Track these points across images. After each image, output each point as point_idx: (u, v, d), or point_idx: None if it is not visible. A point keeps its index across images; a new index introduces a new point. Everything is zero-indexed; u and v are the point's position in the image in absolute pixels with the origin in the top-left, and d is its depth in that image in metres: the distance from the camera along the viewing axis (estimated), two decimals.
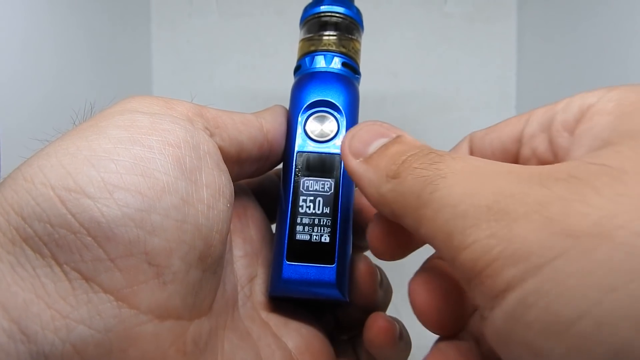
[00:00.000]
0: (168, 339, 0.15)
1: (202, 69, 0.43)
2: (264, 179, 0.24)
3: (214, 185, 0.17)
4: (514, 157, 0.17)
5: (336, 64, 0.22)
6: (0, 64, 0.26)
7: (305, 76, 0.22)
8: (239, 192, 0.23)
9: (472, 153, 0.20)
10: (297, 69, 0.23)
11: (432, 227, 0.13)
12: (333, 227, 0.20)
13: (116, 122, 0.16)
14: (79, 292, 0.13)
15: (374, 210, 0.23)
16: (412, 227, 0.14)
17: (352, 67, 0.23)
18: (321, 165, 0.21)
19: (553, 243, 0.10)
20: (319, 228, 0.20)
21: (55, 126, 0.29)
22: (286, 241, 0.20)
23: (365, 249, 0.25)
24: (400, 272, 0.22)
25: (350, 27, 0.23)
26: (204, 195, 0.16)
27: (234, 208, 0.21)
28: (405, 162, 0.15)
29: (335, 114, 0.21)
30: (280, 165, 0.22)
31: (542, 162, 0.16)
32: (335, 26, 0.23)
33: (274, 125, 0.21)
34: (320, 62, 0.22)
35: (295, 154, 0.21)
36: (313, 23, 0.23)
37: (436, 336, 0.18)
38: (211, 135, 0.18)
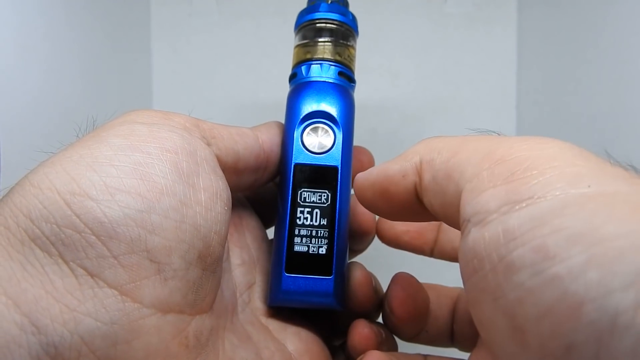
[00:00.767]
0: (170, 331, 0.16)
1: (202, 69, 0.43)
2: (264, 191, 0.25)
3: (211, 188, 0.17)
4: None
5: (332, 73, 0.22)
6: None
7: (301, 86, 0.22)
8: (235, 202, 0.24)
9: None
10: (293, 77, 0.23)
11: (473, 150, 0.14)
12: (330, 238, 0.21)
13: (116, 132, 0.17)
14: (85, 287, 0.14)
15: (369, 216, 0.23)
16: (441, 162, 0.15)
17: (347, 76, 0.23)
18: (318, 177, 0.21)
19: (610, 178, 0.11)
20: (317, 240, 0.21)
21: (55, 127, 0.29)
22: (285, 253, 0.21)
23: (359, 252, 0.25)
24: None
25: (345, 33, 0.23)
26: (202, 198, 0.17)
27: (232, 219, 0.22)
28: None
29: (332, 125, 0.21)
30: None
31: None
32: (331, 33, 0.23)
33: (269, 137, 0.22)
34: (316, 72, 0.22)
35: (292, 165, 0.21)
36: (309, 29, 0.23)
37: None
38: (208, 144, 0.19)
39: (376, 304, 0.22)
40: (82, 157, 0.15)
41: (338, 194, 0.21)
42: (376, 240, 0.25)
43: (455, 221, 0.14)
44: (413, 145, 0.17)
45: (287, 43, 0.44)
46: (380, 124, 0.42)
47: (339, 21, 0.23)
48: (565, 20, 0.36)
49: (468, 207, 0.13)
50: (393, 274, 0.22)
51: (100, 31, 0.36)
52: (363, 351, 0.20)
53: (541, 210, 0.11)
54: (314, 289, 0.21)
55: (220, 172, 0.19)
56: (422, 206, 0.17)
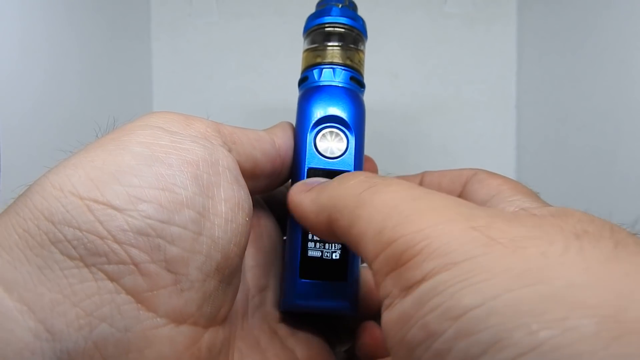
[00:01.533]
0: (183, 343, 0.16)
1: (202, 69, 0.43)
2: (277, 192, 0.25)
3: (233, 199, 0.17)
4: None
5: (344, 78, 0.22)
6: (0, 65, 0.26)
7: (313, 89, 0.22)
8: (254, 204, 0.23)
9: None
10: (304, 81, 0.23)
11: (366, 224, 0.14)
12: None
13: (138, 138, 0.17)
14: (103, 292, 0.14)
15: None
16: (344, 228, 0.16)
17: (358, 81, 0.23)
18: None
19: (473, 246, 0.12)
20: (330, 245, 0.21)
21: (56, 125, 0.29)
22: (299, 258, 0.20)
23: None
24: None
25: (356, 38, 0.23)
26: (222, 210, 0.17)
27: None
28: (350, 175, 0.17)
29: (345, 130, 0.21)
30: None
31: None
32: (341, 37, 0.23)
33: (285, 141, 0.22)
34: (328, 76, 0.22)
35: (306, 170, 0.21)
36: (318, 33, 0.23)
37: None
38: (229, 150, 0.19)
39: None
40: (105, 164, 0.15)
41: None
42: None
43: None
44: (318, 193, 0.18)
45: (286, 43, 0.44)
46: (380, 124, 0.42)
47: (350, 26, 0.23)
48: (565, 20, 0.36)
49: (380, 290, 0.14)
50: None
51: (100, 31, 0.36)
52: (373, 352, 0.20)
53: (424, 292, 0.12)
54: (329, 294, 0.20)
55: (242, 181, 0.19)
56: None
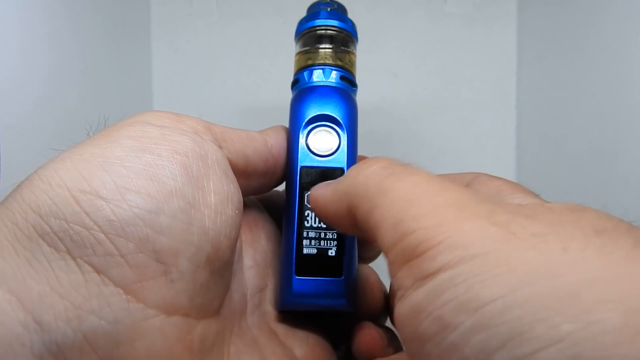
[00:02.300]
0: (174, 334, 0.16)
1: (202, 69, 0.43)
2: (272, 193, 0.25)
3: (222, 192, 0.17)
4: None
5: (334, 77, 0.22)
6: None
7: (304, 90, 0.22)
8: (251, 205, 0.23)
9: None
10: (295, 83, 0.23)
11: (385, 214, 0.14)
12: (339, 240, 0.21)
13: (128, 133, 0.17)
14: (90, 285, 0.14)
15: None
16: (363, 216, 0.15)
17: (349, 80, 0.23)
18: (325, 180, 0.21)
19: (492, 240, 0.12)
20: (325, 242, 0.21)
21: (56, 124, 0.29)
22: (294, 256, 0.21)
23: (370, 260, 0.25)
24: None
25: (346, 39, 0.24)
26: (212, 201, 0.17)
27: (246, 219, 0.22)
28: (370, 161, 0.16)
29: (337, 128, 0.21)
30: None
31: None
32: (331, 39, 0.23)
33: (278, 141, 0.22)
34: (318, 76, 0.22)
35: (298, 168, 0.21)
36: (309, 36, 0.23)
37: None
38: (219, 147, 0.19)
39: (384, 305, 0.22)
40: (93, 156, 0.15)
41: None
42: None
43: None
44: (341, 181, 0.17)
45: (286, 43, 0.44)
46: (380, 124, 0.42)
47: (339, 27, 0.23)
48: (565, 20, 0.36)
49: (393, 281, 0.14)
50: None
51: (100, 31, 0.36)
52: (369, 353, 0.20)
53: (439, 284, 0.12)
54: (325, 291, 0.20)
55: (232, 176, 0.19)
56: None
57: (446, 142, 0.42)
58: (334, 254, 0.21)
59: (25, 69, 0.27)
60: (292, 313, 0.22)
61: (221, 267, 0.17)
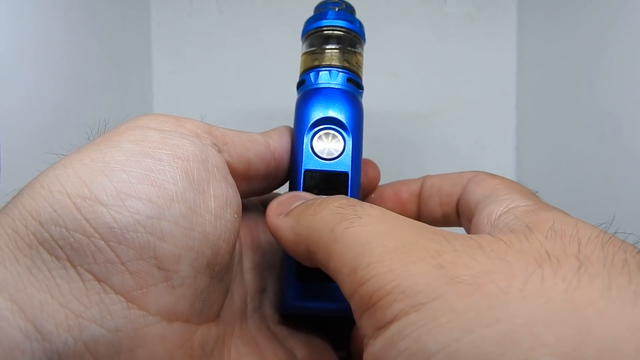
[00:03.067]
0: (175, 341, 0.16)
1: (202, 69, 0.43)
2: (273, 195, 0.25)
3: (222, 196, 0.17)
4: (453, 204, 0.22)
5: (341, 80, 0.22)
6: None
7: (310, 92, 0.22)
8: (252, 207, 0.23)
9: (422, 191, 0.24)
10: (301, 84, 0.23)
11: (340, 262, 0.15)
12: None
13: (128, 137, 0.16)
14: (91, 293, 0.14)
15: None
16: (322, 262, 0.16)
17: (356, 83, 0.23)
18: (329, 183, 0.21)
19: (437, 285, 0.12)
20: None
21: (57, 128, 0.29)
22: (296, 261, 0.20)
23: None
24: None
25: (353, 40, 0.23)
26: (212, 206, 0.17)
27: (246, 221, 0.22)
28: (324, 202, 0.17)
29: (342, 131, 0.21)
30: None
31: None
32: (338, 40, 0.23)
33: (281, 144, 0.22)
34: (325, 78, 0.22)
35: (302, 172, 0.21)
36: (316, 37, 0.23)
37: None
38: (219, 151, 0.19)
39: None
40: (94, 161, 0.15)
41: None
42: None
43: None
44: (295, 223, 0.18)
45: (287, 43, 0.44)
46: (380, 124, 0.42)
47: (347, 28, 0.23)
48: (565, 21, 0.36)
49: (359, 327, 0.14)
50: None
51: (100, 31, 0.36)
52: None
53: (393, 334, 0.12)
54: (328, 296, 0.20)
55: (231, 180, 0.19)
56: None
57: (446, 142, 0.42)
58: None
59: (24, 69, 0.27)
60: (293, 316, 0.22)
61: (221, 271, 0.17)
